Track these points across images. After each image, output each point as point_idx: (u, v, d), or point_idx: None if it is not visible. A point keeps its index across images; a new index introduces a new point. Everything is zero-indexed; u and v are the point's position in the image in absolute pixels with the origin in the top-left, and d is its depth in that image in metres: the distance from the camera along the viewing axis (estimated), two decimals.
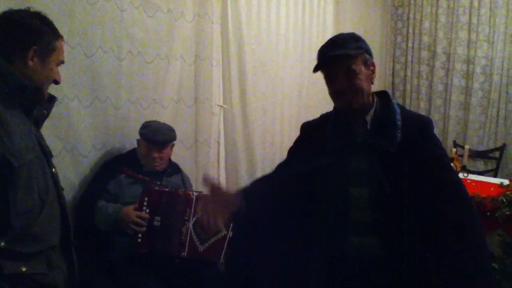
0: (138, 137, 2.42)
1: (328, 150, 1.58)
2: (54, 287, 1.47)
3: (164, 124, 2.49)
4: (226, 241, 2.25)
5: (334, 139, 1.59)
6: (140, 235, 2.17)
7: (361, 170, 1.54)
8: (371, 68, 1.54)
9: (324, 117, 1.70)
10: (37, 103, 1.47)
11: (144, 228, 2.17)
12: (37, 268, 1.41)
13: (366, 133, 1.54)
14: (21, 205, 1.34)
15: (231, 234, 2.21)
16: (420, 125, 1.57)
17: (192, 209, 2.22)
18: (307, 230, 1.61)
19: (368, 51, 1.54)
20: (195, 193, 2.27)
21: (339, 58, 1.48)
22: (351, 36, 1.55)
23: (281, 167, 1.77)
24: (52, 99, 1.57)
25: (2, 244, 1.31)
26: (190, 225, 2.21)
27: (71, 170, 2.30)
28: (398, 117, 1.55)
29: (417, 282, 1.47)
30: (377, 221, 1.52)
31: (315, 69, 1.54)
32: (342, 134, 1.58)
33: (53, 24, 1.51)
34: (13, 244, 1.34)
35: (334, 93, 1.54)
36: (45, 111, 1.55)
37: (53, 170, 1.53)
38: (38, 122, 1.54)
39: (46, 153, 1.50)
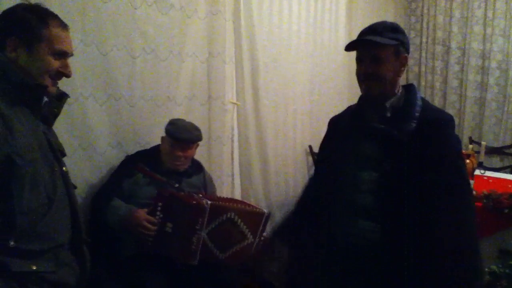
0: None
1: (343, 134, 1.66)
2: (64, 285, 1.46)
3: (190, 123, 2.44)
4: (253, 248, 2.23)
5: (349, 123, 1.66)
6: (151, 239, 2.10)
7: (372, 154, 1.59)
8: (402, 61, 1.59)
9: (349, 108, 1.78)
10: (39, 99, 1.44)
11: (153, 233, 2.10)
12: (46, 266, 1.40)
13: (382, 119, 1.59)
14: (27, 203, 1.34)
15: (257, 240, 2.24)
16: (437, 121, 1.58)
17: (206, 218, 2.12)
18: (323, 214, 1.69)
19: (404, 44, 1.59)
20: (209, 202, 2.14)
21: (369, 43, 1.55)
22: (392, 26, 1.61)
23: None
24: (62, 96, 1.54)
25: (11, 243, 1.31)
26: (203, 234, 2.12)
27: (87, 168, 2.32)
28: (418, 108, 1.58)
29: (411, 272, 1.50)
30: (380, 207, 1.57)
31: (347, 48, 1.63)
32: (357, 118, 1.66)
33: (44, 12, 1.44)
34: (21, 242, 1.33)
35: (358, 75, 1.62)
36: (55, 109, 1.53)
37: (64, 168, 1.50)
38: (48, 120, 1.52)
39: (55, 152, 1.48)
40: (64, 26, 1.47)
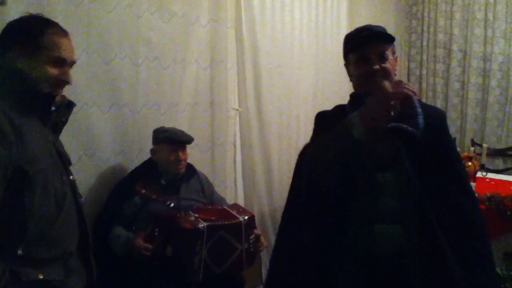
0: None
1: (352, 137, 1.54)
2: None
3: (174, 127, 2.51)
4: (244, 254, 2.24)
5: (358, 125, 1.55)
6: (154, 263, 2.13)
7: (388, 155, 1.55)
8: (396, 60, 1.62)
9: (339, 107, 1.73)
10: (49, 108, 1.45)
11: (154, 257, 2.12)
12: (54, 275, 1.41)
13: (390, 118, 1.56)
14: (38, 211, 1.35)
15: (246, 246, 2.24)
16: (438, 116, 1.63)
17: (204, 240, 2.13)
18: (337, 222, 1.60)
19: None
20: (205, 224, 2.14)
21: (377, 40, 1.55)
22: (383, 27, 1.64)
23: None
24: (70, 105, 1.56)
25: (20, 252, 1.32)
26: (204, 253, 2.14)
27: (92, 176, 2.34)
28: (417, 105, 1.59)
29: (437, 276, 1.46)
30: (403, 208, 1.51)
31: (353, 47, 1.58)
32: (366, 119, 1.56)
33: (44, 21, 1.45)
34: (29, 250, 1.34)
35: (365, 73, 1.56)
36: (63, 118, 1.54)
37: (71, 177, 1.52)
38: (57, 129, 1.54)
39: (63, 160, 1.50)
40: (63, 33, 1.46)
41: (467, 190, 1.58)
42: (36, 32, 1.41)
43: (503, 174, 3.81)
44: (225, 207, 2.43)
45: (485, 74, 4.66)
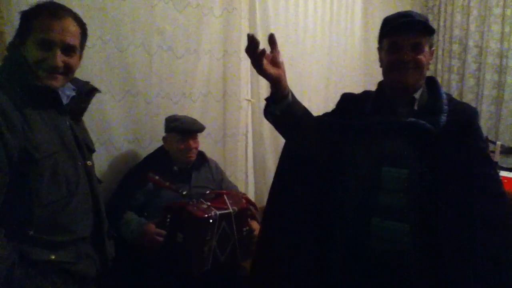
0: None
1: (366, 125, 1.53)
2: (83, 277, 1.49)
3: (186, 116, 2.53)
4: (237, 245, 2.26)
5: (375, 115, 1.54)
6: (163, 250, 2.14)
7: (401, 150, 1.48)
8: (432, 53, 1.54)
9: (367, 93, 1.67)
10: (55, 98, 1.43)
11: (163, 247, 2.13)
12: (66, 257, 1.42)
13: (411, 113, 1.51)
14: (46, 196, 1.36)
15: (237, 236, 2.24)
16: (466, 114, 1.53)
17: (215, 229, 2.15)
18: (331, 211, 1.56)
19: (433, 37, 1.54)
20: (218, 212, 2.16)
21: (416, 28, 1.48)
22: (425, 17, 1.56)
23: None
24: (91, 92, 1.56)
25: (31, 232, 1.35)
26: (214, 242, 2.16)
27: (105, 163, 2.38)
28: (445, 101, 1.52)
29: (445, 276, 1.41)
30: (412, 206, 1.44)
31: (389, 32, 1.51)
32: (385, 111, 1.55)
33: (41, 4, 1.41)
34: (40, 232, 1.36)
35: (395, 62, 1.50)
36: (83, 105, 1.55)
37: (88, 163, 1.52)
38: (76, 115, 1.54)
39: (80, 146, 1.51)
40: (54, 15, 1.39)
41: (493, 194, 1.47)
42: (31, 15, 1.39)
43: None
44: (224, 196, 2.43)
45: (501, 71, 4.60)
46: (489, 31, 4.59)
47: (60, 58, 1.40)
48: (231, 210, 2.25)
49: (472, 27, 4.71)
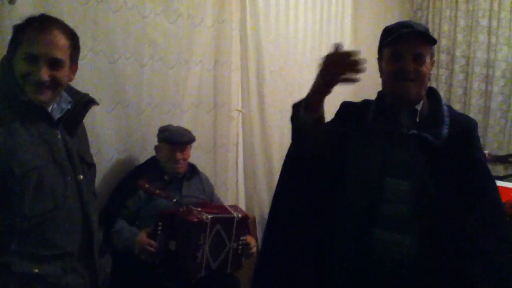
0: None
1: (368, 136, 1.51)
2: None
3: (180, 126, 2.54)
4: (230, 254, 2.26)
5: (377, 125, 1.52)
6: (155, 260, 2.14)
7: (403, 161, 1.47)
8: (433, 64, 1.53)
9: (366, 102, 1.65)
10: (41, 112, 1.41)
11: (157, 254, 2.13)
12: (50, 271, 1.40)
13: (413, 124, 1.50)
14: (30, 209, 1.34)
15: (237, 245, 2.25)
16: (467, 126, 1.53)
17: (207, 233, 2.16)
18: (332, 221, 1.54)
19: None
20: (209, 216, 2.18)
21: (419, 38, 1.47)
22: (425, 27, 1.56)
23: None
24: (88, 103, 1.53)
25: (13, 246, 1.33)
26: (206, 248, 2.17)
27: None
28: (446, 113, 1.52)
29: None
30: (413, 218, 1.44)
31: (390, 42, 1.49)
32: (387, 121, 1.53)
33: (31, 17, 1.40)
34: (23, 245, 1.35)
35: (396, 72, 1.48)
36: (78, 117, 1.52)
37: (80, 177, 1.48)
38: (70, 128, 1.50)
39: (73, 159, 1.47)
40: (40, 28, 1.38)
41: (492, 207, 1.48)
42: (20, 29, 1.38)
43: (503, 181, 3.82)
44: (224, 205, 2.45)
45: (488, 80, 4.67)
46: (476, 41, 4.67)
47: (45, 72, 1.37)
48: (234, 215, 2.27)
49: (460, 37, 4.78)
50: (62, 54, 1.42)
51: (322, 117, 1.45)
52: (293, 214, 1.63)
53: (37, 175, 1.36)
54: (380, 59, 1.58)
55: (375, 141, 1.50)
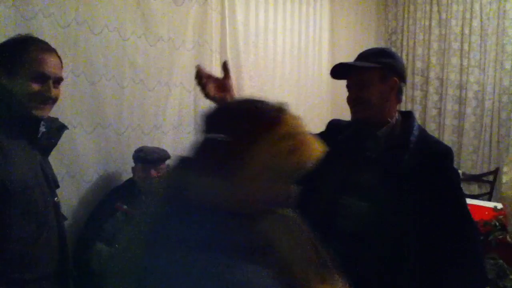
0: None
1: (337, 155, 1.48)
2: None
3: (155, 146, 2.58)
4: None
5: (346, 146, 1.58)
6: None
7: (363, 183, 1.51)
8: (391, 84, 1.52)
9: (350, 123, 1.68)
10: (35, 130, 1.44)
11: None
12: None
13: (377, 149, 1.53)
14: (17, 231, 1.34)
15: None
16: (434, 154, 1.51)
17: None
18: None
19: (392, 67, 1.53)
20: None
21: (352, 69, 1.55)
22: (380, 51, 1.62)
23: None
24: (61, 128, 1.57)
25: None
26: None
27: (74, 196, 2.35)
28: (413, 139, 1.51)
29: None
30: (368, 237, 1.46)
31: (336, 75, 1.61)
32: (353, 144, 1.58)
33: (26, 39, 1.46)
34: (7, 270, 1.34)
35: (348, 100, 1.59)
36: (53, 140, 1.55)
37: (56, 199, 1.51)
38: (46, 150, 1.54)
39: (49, 182, 1.49)
40: (48, 49, 1.45)
41: (458, 233, 1.47)
42: (19, 48, 1.42)
43: (478, 199, 3.91)
44: None
45: (461, 101, 4.81)
46: (448, 63, 4.83)
47: (53, 91, 1.45)
48: None
49: (433, 60, 4.94)
50: (61, 73, 1.52)
51: None
52: None
53: (26, 197, 1.37)
54: None
55: (339, 161, 1.53)
